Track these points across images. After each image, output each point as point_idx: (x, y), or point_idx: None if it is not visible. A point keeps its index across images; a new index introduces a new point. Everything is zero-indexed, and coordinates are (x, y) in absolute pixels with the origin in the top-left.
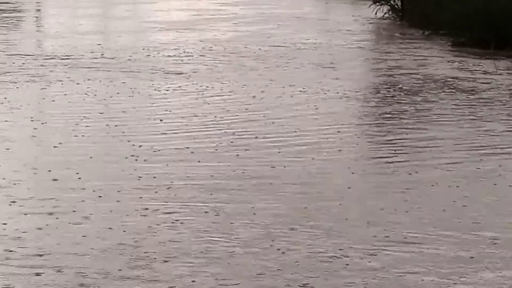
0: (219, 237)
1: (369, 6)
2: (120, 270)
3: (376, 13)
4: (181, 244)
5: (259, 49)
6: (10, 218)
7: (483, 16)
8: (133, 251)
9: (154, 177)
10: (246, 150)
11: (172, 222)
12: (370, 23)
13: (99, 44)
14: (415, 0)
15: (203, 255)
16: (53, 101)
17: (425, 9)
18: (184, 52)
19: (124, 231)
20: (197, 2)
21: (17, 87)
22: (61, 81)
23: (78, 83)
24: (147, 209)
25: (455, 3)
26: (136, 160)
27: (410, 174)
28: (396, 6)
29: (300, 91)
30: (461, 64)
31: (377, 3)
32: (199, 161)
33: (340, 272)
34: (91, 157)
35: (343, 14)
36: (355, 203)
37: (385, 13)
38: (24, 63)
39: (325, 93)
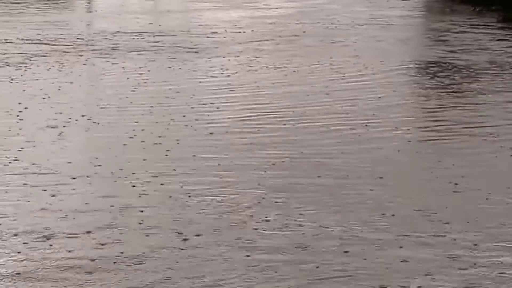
0: None
1: None
2: None
3: None
4: None
5: (318, 24)
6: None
7: None
8: None
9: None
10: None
11: None
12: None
13: (150, 24)
14: None
15: None
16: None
17: None
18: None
19: None
20: None
21: (85, 64)
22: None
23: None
24: None
25: None
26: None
27: None
28: None
29: (354, 64)
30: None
31: None
32: None
33: None
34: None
35: None
36: None
37: None
38: (81, 43)
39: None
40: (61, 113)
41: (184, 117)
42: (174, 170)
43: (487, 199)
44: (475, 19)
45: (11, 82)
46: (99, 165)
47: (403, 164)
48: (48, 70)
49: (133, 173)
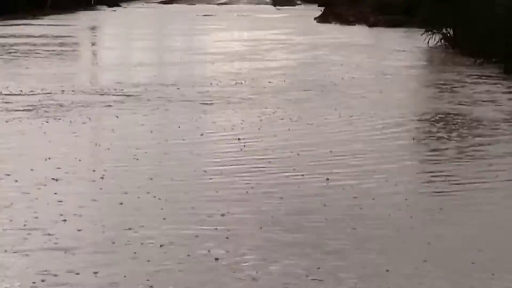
0: None
1: (421, 35)
2: None
3: (428, 42)
4: None
5: (315, 77)
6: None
7: None
8: None
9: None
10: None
11: None
12: (422, 52)
13: (154, 76)
14: (467, 29)
15: None
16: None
17: (477, 37)
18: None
19: None
20: (246, 34)
21: (87, 120)
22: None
23: (134, 113)
24: None
25: (506, 31)
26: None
27: None
28: (448, 35)
29: (351, 116)
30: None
31: (429, 32)
32: None
33: None
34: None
35: (396, 43)
36: None
37: (437, 42)
38: (81, 95)
39: (371, 118)
40: (59, 168)
41: (188, 169)
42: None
43: None
44: (477, 71)
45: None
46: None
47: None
48: (48, 122)
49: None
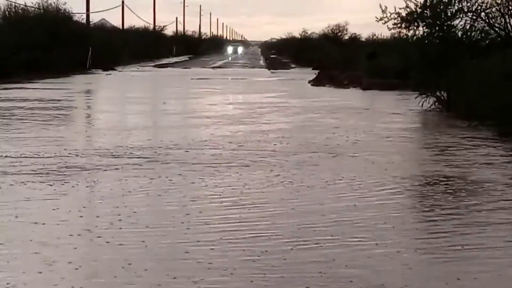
0: None
1: (415, 98)
2: None
3: (422, 105)
4: None
5: (312, 141)
6: None
7: None
8: None
9: None
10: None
11: None
12: (416, 115)
13: (149, 139)
14: (461, 92)
15: None
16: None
17: (470, 100)
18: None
19: None
20: (244, 97)
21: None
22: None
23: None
24: None
25: (500, 94)
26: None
27: None
28: (442, 98)
29: (342, 179)
30: (506, 158)
31: (423, 95)
32: None
33: None
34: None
35: (390, 106)
36: None
37: (431, 105)
38: (74, 159)
39: (361, 183)
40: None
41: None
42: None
43: None
44: (472, 134)
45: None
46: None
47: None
48: (40, 190)
49: None
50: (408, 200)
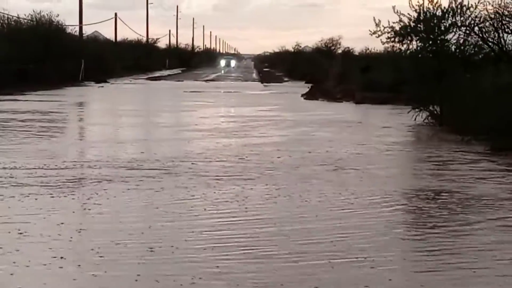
0: None
1: (408, 112)
2: None
3: (415, 119)
4: None
5: (306, 154)
6: None
7: None
8: None
9: None
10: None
11: None
12: (410, 129)
13: (142, 153)
14: (454, 106)
15: None
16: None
17: (463, 114)
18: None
19: None
20: (237, 109)
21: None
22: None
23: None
24: None
25: (493, 109)
26: None
27: None
28: (435, 112)
29: (337, 193)
30: (498, 172)
31: (416, 109)
32: None
33: None
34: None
35: (383, 120)
36: None
37: (424, 119)
38: (66, 171)
39: (356, 198)
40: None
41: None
42: None
43: None
44: (465, 148)
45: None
46: None
47: None
48: (34, 200)
49: None
50: (394, 212)
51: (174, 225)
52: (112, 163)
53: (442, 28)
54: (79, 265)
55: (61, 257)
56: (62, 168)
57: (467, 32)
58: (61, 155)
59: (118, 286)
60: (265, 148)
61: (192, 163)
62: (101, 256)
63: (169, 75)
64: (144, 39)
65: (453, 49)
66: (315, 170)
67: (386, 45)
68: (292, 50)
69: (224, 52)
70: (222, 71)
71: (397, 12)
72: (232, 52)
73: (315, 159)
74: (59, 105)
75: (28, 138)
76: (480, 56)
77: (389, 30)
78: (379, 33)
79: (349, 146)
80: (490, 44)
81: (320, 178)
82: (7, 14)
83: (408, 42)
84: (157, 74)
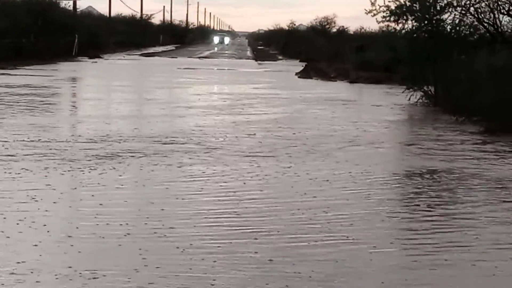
0: None
1: (402, 92)
2: None
3: (409, 99)
4: None
5: (299, 132)
6: None
7: None
8: None
9: None
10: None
11: None
12: (404, 109)
13: (136, 128)
14: (448, 87)
15: None
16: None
17: (458, 95)
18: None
19: None
20: (232, 87)
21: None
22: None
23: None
24: None
25: (487, 90)
26: None
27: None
28: (429, 92)
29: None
30: (492, 154)
31: (411, 89)
32: None
33: None
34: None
35: (376, 99)
36: None
37: (419, 99)
38: (58, 147)
39: (351, 176)
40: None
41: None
42: None
43: None
44: (460, 129)
45: None
46: None
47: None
48: (27, 174)
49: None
50: (385, 191)
51: None
52: (103, 139)
53: (438, 8)
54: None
55: None
56: (54, 143)
57: (463, 12)
58: (54, 130)
59: None
60: (264, 124)
61: (190, 139)
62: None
63: (163, 51)
64: (138, 15)
65: (448, 30)
66: (314, 147)
67: (381, 24)
68: (287, 28)
69: (218, 29)
70: (216, 48)
71: None
72: (227, 29)
73: (314, 136)
74: (52, 80)
75: (20, 113)
76: (475, 37)
77: (385, 9)
78: (375, 12)
79: (345, 125)
80: (485, 25)
81: (318, 155)
82: None
83: (404, 21)
84: (151, 50)
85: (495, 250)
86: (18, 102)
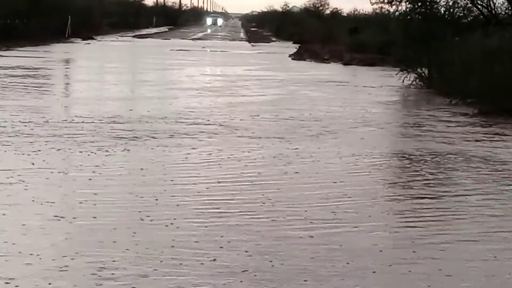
0: None
1: (396, 74)
2: None
3: (403, 81)
4: None
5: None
6: None
7: (510, 85)
8: None
9: None
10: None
11: None
12: (397, 90)
13: (131, 110)
14: (442, 69)
15: None
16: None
17: (452, 77)
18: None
19: None
20: (225, 69)
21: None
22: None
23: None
24: None
25: (481, 72)
26: None
27: None
28: (423, 74)
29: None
30: (485, 136)
31: (404, 72)
32: None
33: None
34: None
35: (370, 81)
36: None
37: (412, 81)
38: (52, 129)
39: (340, 158)
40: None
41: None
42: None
43: None
44: (454, 111)
45: None
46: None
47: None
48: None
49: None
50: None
51: None
52: (96, 120)
53: None
54: None
55: None
56: (49, 125)
57: None
58: (49, 112)
59: None
60: (260, 106)
61: (177, 121)
62: None
63: (156, 33)
64: None
65: (442, 12)
66: (311, 127)
67: (375, 6)
68: (280, 10)
69: (211, 11)
70: (208, 30)
71: None
72: (220, 11)
73: (308, 118)
74: (45, 61)
75: (14, 94)
76: (469, 19)
77: None
78: None
79: (339, 106)
80: (479, 7)
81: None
82: None
83: (397, 3)
84: (144, 32)
85: None
86: (14, 84)
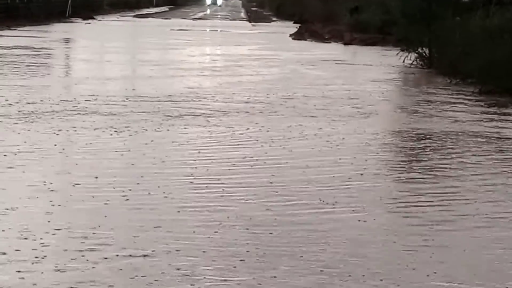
0: None
1: (397, 54)
2: None
3: (404, 61)
4: None
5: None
6: None
7: (510, 65)
8: None
9: None
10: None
11: None
12: (398, 70)
13: (134, 90)
14: (442, 48)
15: None
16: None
17: (452, 57)
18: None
19: None
20: (229, 48)
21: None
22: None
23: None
24: None
25: (482, 51)
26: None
27: None
28: (423, 54)
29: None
30: (485, 115)
31: (405, 51)
32: None
33: None
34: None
35: (371, 60)
36: None
37: (413, 61)
38: (50, 107)
39: (343, 138)
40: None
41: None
42: None
43: None
44: (455, 91)
45: None
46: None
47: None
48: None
49: None
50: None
51: None
52: (99, 100)
53: None
54: None
55: None
56: (54, 104)
57: None
58: (47, 90)
59: None
60: (264, 85)
61: (184, 100)
62: None
63: (156, 12)
64: None
65: None
66: (315, 106)
67: None
68: None
69: None
70: (208, 10)
71: None
72: None
73: (310, 98)
74: (46, 41)
75: (15, 74)
76: None
77: None
78: None
79: (341, 85)
80: None
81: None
82: None
83: None
84: (145, 11)
85: None
86: (16, 63)
